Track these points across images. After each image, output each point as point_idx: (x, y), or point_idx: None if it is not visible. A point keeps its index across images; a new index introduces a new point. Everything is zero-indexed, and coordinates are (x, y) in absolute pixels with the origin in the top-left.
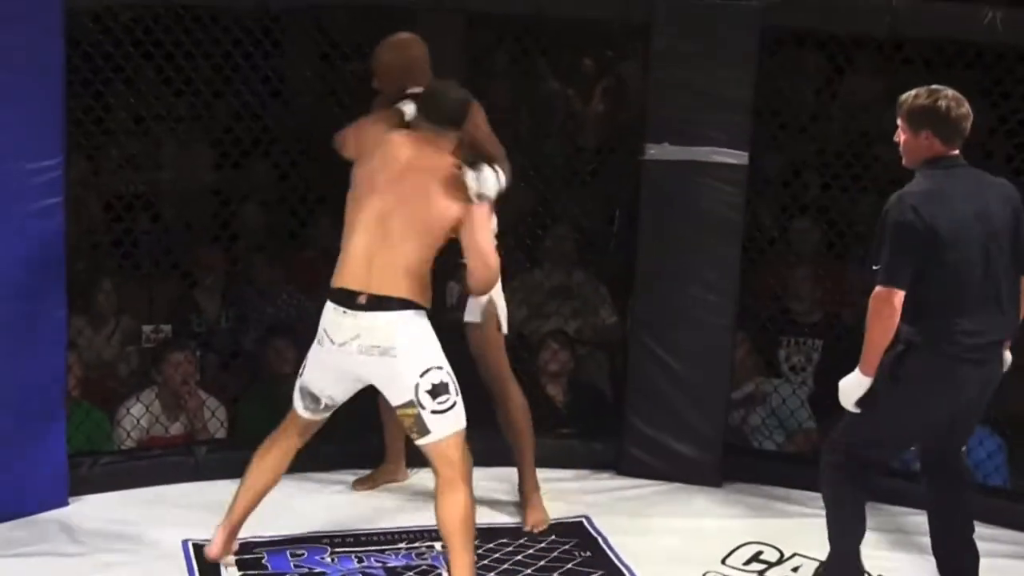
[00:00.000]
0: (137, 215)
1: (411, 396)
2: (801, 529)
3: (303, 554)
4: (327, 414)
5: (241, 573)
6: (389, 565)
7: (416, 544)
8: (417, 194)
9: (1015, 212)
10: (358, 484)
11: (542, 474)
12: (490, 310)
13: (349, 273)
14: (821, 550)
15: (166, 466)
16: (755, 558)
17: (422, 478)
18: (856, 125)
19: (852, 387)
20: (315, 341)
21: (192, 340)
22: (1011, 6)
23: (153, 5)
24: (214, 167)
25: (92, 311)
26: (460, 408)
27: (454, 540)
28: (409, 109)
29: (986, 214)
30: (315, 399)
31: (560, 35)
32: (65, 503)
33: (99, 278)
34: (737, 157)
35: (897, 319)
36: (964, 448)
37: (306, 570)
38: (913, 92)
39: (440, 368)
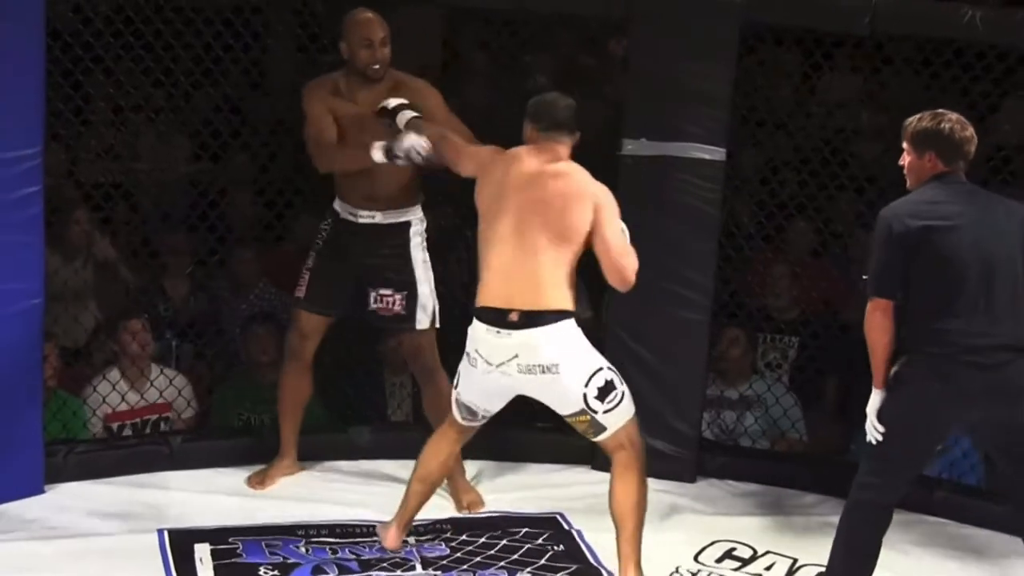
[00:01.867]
0: (116, 204)
1: (581, 406)
2: (774, 527)
3: (278, 544)
4: (484, 421)
5: (216, 562)
6: (363, 557)
7: None
8: (550, 204)
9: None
10: (255, 483)
11: (518, 468)
12: (432, 312)
13: (492, 291)
14: (794, 548)
15: (141, 455)
16: (727, 555)
17: (396, 470)
18: (834, 122)
19: (870, 406)
20: (464, 359)
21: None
22: (991, 5)
23: None
24: (192, 158)
25: (64, 243)
26: (628, 396)
27: (626, 522)
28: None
29: (984, 219)
30: (472, 412)
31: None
32: (41, 491)
33: (72, 210)
34: (714, 153)
35: (890, 328)
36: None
37: (280, 560)
38: (917, 116)
39: (601, 369)
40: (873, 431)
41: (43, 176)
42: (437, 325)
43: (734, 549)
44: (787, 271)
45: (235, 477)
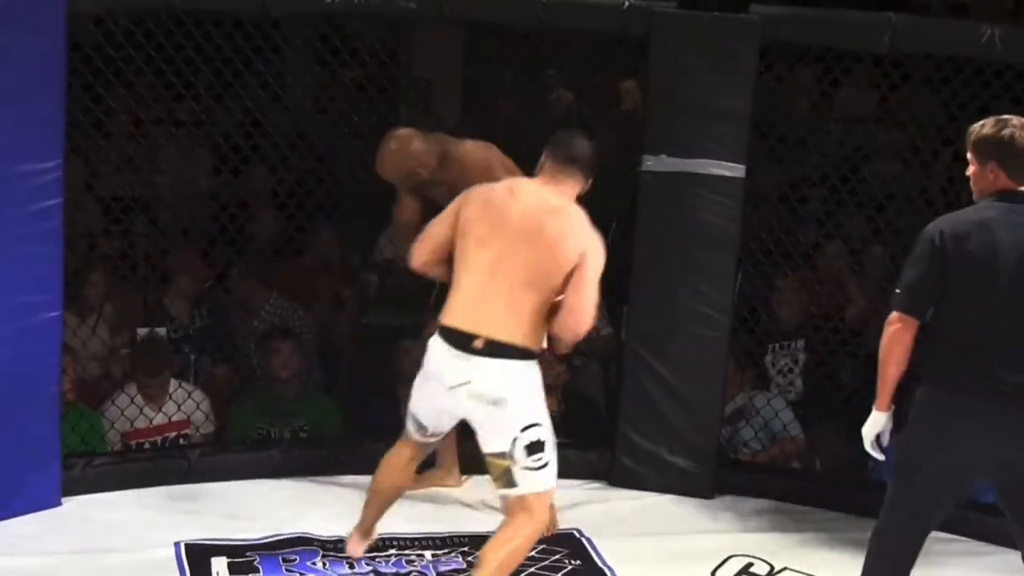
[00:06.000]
0: (135, 218)
1: (507, 448)
2: (792, 543)
3: (295, 559)
4: (436, 440)
5: None
6: (380, 571)
7: (407, 551)
8: (538, 242)
9: None
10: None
11: None
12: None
13: (461, 312)
14: (811, 564)
15: (159, 468)
16: (745, 571)
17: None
18: (852, 139)
19: (869, 426)
20: (421, 374)
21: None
22: (1010, 24)
23: (155, 9)
24: (213, 172)
25: (79, 303)
26: (553, 468)
27: (487, 568)
28: None
29: None
30: (422, 426)
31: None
32: (58, 504)
33: (88, 271)
34: (733, 170)
35: (907, 348)
36: None
37: (297, 574)
38: (980, 122)
39: (541, 425)
40: (876, 453)
41: (63, 189)
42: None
43: (751, 565)
44: (795, 285)
45: (253, 491)
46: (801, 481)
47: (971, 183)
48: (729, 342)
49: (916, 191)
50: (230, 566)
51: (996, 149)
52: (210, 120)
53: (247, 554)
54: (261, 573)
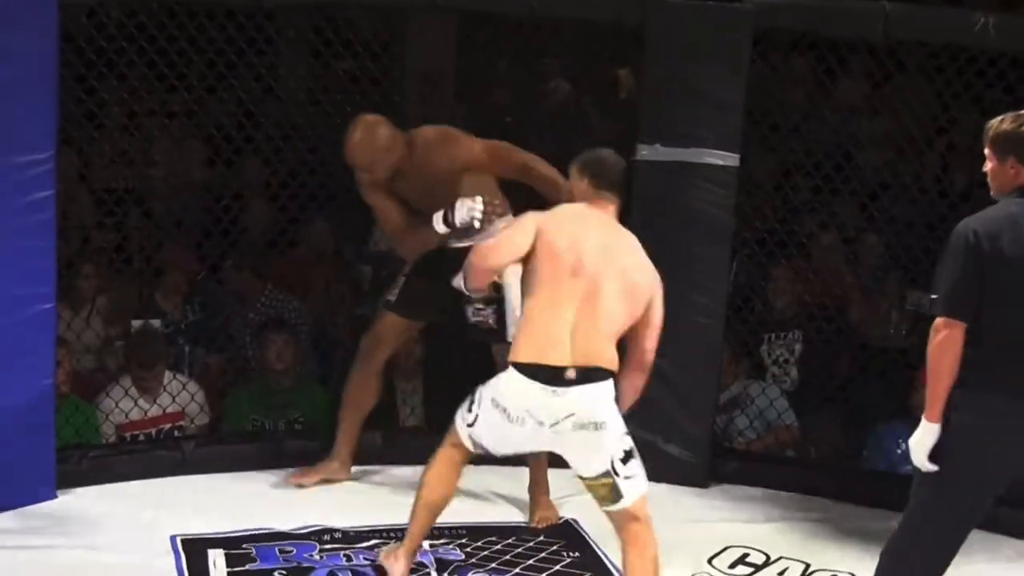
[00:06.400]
0: (128, 210)
1: (608, 466)
2: (788, 532)
3: (292, 550)
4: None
5: (230, 568)
6: (378, 562)
7: None
8: (620, 273)
9: None
10: (296, 478)
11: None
12: None
13: (547, 348)
14: (806, 553)
15: (154, 460)
16: (741, 560)
17: (408, 476)
18: (846, 128)
19: (919, 438)
20: (499, 413)
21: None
22: (1003, 12)
23: (147, 0)
24: (207, 163)
25: (72, 295)
26: (643, 469)
27: None
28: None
29: None
30: (485, 450)
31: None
32: (54, 496)
33: (80, 263)
34: (727, 158)
35: (958, 354)
36: None
37: (294, 565)
38: (999, 117)
39: (627, 433)
40: (929, 466)
41: (56, 181)
42: None
43: (747, 555)
44: (788, 273)
45: (248, 482)
46: (796, 469)
47: (989, 179)
48: (724, 331)
49: (910, 179)
50: (227, 558)
51: (1015, 144)
52: (203, 112)
53: (244, 546)
54: (258, 564)
